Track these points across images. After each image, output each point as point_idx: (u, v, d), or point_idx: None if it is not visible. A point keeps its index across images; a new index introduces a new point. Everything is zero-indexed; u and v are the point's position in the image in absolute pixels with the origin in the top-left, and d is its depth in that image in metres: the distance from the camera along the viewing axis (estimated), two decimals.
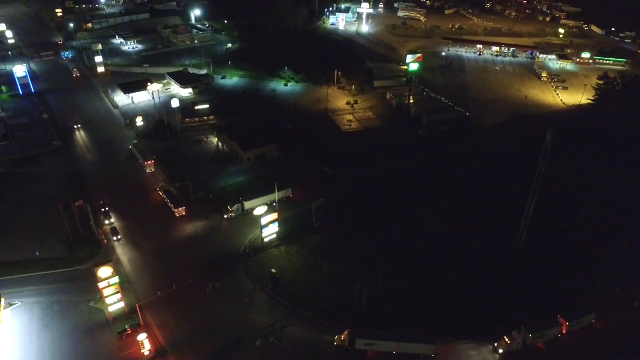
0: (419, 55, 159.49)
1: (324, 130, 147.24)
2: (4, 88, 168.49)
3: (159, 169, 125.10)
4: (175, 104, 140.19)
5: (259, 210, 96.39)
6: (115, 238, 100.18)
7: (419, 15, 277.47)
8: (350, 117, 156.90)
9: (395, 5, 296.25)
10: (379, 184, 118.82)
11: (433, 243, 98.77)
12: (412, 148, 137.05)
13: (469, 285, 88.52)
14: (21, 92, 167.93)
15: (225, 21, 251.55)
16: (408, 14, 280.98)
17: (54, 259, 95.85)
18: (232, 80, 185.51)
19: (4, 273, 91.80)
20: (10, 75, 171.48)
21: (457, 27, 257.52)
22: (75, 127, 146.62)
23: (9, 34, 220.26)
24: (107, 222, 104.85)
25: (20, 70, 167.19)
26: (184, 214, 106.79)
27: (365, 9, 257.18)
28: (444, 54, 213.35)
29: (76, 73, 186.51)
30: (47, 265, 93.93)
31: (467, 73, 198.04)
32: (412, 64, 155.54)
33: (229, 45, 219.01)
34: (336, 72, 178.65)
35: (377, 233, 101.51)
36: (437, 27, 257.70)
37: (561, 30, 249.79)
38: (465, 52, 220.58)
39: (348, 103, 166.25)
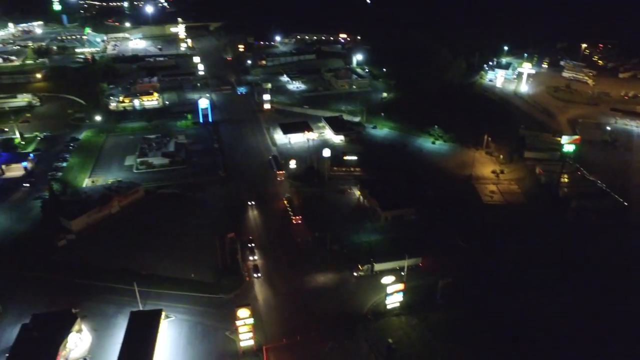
0: (576, 137, 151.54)
1: (464, 199, 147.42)
2: (189, 116, 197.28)
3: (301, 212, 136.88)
4: (326, 153, 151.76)
5: (386, 279, 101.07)
6: (255, 275, 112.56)
7: (586, 77, 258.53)
8: (493, 188, 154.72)
9: (562, 63, 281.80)
10: (515, 268, 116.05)
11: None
12: (555, 234, 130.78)
13: None
14: (201, 121, 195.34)
15: (384, 69, 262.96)
16: (574, 74, 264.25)
17: (204, 283, 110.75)
18: (382, 130, 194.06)
19: (166, 287, 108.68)
20: (195, 104, 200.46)
21: (631, 95, 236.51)
22: (238, 159, 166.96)
23: (201, 66, 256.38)
24: (251, 257, 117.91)
25: (204, 102, 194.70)
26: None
27: (526, 68, 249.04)
28: (608, 127, 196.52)
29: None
30: (198, 288, 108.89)
31: (634, 153, 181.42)
32: (568, 145, 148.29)
33: (384, 94, 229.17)
34: (486, 136, 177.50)
35: (504, 320, 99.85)
36: (607, 94, 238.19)
37: None
38: (637, 127, 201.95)
39: (493, 171, 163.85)
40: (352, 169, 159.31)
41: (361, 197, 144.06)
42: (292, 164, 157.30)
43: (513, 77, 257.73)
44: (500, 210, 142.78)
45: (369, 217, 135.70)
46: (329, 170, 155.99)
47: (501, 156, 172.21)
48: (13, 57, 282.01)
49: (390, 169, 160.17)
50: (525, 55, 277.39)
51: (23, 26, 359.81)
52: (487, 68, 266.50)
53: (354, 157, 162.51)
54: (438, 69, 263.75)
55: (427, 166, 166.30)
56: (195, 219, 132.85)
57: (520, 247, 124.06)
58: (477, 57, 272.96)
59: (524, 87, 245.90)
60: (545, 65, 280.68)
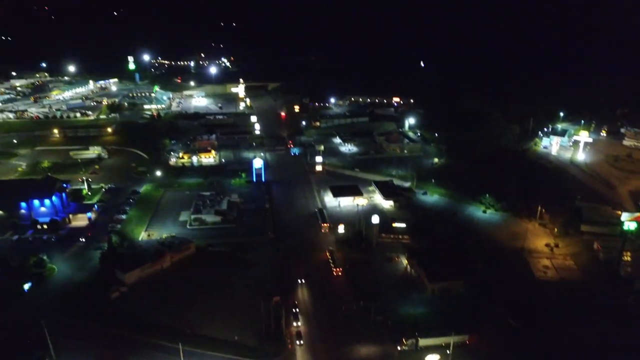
0: (638, 214, 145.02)
1: (516, 273, 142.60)
2: (243, 174, 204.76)
3: (346, 278, 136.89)
4: (375, 220, 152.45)
5: (431, 358, 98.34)
6: (298, 342, 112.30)
7: None
8: (547, 263, 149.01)
9: (622, 130, 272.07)
10: (569, 353, 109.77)
11: None
12: (616, 318, 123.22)
13: None
14: (254, 180, 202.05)
15: (436, 133, 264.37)
16: (636, 143, 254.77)
17: (247, 346, 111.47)
18: (432, 197, 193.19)
19: (210, 348, 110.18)
20: (249, 163, 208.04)
21: None
22: (287, 220, 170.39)
23: (257, 125, 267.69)
24: (294, 323, 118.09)
25: (258, 162, 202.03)
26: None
27: (583, 136, 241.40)
28: None
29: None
30: (241, 352, 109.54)
31: None
32: (628, 222, 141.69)
33: (436, 159, 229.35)
34: (539, 206, 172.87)
35: None
36: None
37: None
38: None
39: (547, 245, 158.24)
40: (400, 237, 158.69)
41: (408, 267, 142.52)
42: (341, 228, 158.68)
43: (569, 145, 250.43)
44: (555, 288, 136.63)
45: (416, 287, 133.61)
46: (377, 237, 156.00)
47: (556, 229, 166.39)
48: (89, 112, 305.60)
49: (440, 238, 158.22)
50: (582, 122, 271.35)
51: (101, 83, 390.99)
52: (541, 134, 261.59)
53: (403, 225, 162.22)
54: (491, 135, 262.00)
55: (477, 236, 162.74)
56: (242, 280, 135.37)
57: (576, 329, 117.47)
58: (532, 123, 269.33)
59: (581, 156, 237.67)
60: (603, 133, 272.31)
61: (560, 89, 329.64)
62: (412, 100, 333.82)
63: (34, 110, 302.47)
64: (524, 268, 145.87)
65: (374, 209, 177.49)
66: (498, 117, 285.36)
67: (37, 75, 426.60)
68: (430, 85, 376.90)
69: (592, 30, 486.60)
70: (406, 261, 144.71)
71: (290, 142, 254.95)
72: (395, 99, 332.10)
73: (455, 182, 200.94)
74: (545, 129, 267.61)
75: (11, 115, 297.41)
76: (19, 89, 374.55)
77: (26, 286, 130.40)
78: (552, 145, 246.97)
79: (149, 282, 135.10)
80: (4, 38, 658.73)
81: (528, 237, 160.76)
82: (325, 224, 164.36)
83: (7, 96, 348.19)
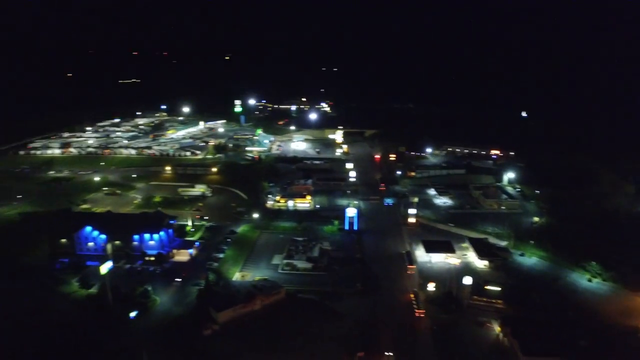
0: None
1: (628, 356, 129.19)
2: (336, 222, 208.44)
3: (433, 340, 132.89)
4: (467, 281, 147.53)
5: None
6: None
7: None
8: None
9: None
10: None
11: None
12: None
13: None
14: (347, 228, 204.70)
15: (537, 190, 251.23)
16: None
17: None
18: (530, 259, 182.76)
19: None
20: (343, 211, 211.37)
21: None
22: (377, 271, 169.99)
23: (353, 173, 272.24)
24: None
25: (351, 211, 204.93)
26: None
27: None
28: None
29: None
30: None
31: None
32: None
33: (536, 218, 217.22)
34: None
35: None
36: None
37: None
38: None
39: None
40: (493, 301, 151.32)
41: (501, 335, 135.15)
42: (431, 286, 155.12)
43: None
44: None
45: (507, 359, 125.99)
46: (468, 299, 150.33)
47: None
48: (198, 152, 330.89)
49: (537, 307, 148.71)
50: None
51: (210, 124, 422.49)
52: None
53: (497, 288, 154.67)
54: (600, 194, 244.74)
55: (580, 308, 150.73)
56: (327, 331, 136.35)
57: None
58: None
59: None
60: None
61: None
62: (512, 153, 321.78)
63: (154, 148, 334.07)
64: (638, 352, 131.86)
65: (467, 267, 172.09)
66: (610, 175, 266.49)
67: (157, 114, 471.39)
68: (533, 138, 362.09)
69: None
70: (498, 328, 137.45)
71: (382, 184, 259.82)
72: (494, 151, 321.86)
73: (557, 244, 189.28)
74: None
75: (133, 152, 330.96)
76: (141, 127, 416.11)
77: (132, 314, 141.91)
78: None
79: (239, 323, 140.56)
80: (134, 81, 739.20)
81: None
82: (411, 266, 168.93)
83: (132, 133, 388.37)
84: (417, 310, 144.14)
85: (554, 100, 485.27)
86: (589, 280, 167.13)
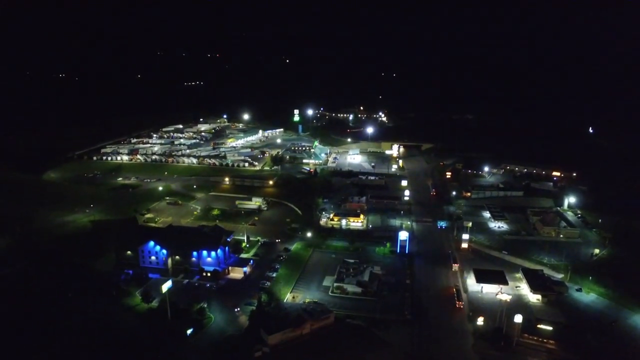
0: None
1: None
2: (388, 244, 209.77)
3: None
4: (517, 319, 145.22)
5: None
6: None
7: None
8: None
9: None
10: None
11: None
12: None
13: None
14: (398, 251, 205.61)
15: (600, 218, 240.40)
16: None
17: None
18: (588, 295, 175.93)
19: None
20: (395, 232, 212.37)
21: None
22: (426, 300, 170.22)
23: (407, 192, 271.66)
24: None
25: (404, 235, 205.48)
26: None
27: None
28: None
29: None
30: None
31: None
32: None
33: (596, 250, 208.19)
34: None
35: None
36: None
37: None
38: None
39: None
40: (545, 340, 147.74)
41: None
42: (480, 320, 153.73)
43: None
44: None
45: None
46: (519, 336, 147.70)
47: None
48: (255, 162, 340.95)
49: (593, 350, 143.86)
50: None
51: (268, 132, 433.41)
52: None
53: (550, 328, 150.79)
54: None
55: None
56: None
57: None
58: None
59: None
60: None
61: None
62: (574, 174, 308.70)
63: (213, 159, 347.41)
64: None
65: (519, 301, 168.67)
66: None
67: (218, 121, 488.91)
68: (599, 158, 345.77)
69: None
70: None
71: (434, 190, 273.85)
72: (555, 172, 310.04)
73: (619, 281, 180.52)
74: None
75: (194, 161, 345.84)
76: (202, 134, 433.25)
77: (189, 331, 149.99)
78: None
79: (288, 346, 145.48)
80: (196, 83, 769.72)
81: None
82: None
83: (194, 140, 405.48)
84: (457, 302, 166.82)
85: (626, 116, 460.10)
86: None
